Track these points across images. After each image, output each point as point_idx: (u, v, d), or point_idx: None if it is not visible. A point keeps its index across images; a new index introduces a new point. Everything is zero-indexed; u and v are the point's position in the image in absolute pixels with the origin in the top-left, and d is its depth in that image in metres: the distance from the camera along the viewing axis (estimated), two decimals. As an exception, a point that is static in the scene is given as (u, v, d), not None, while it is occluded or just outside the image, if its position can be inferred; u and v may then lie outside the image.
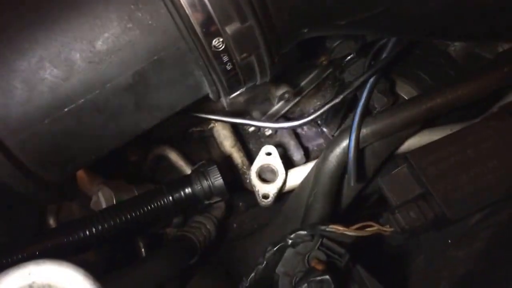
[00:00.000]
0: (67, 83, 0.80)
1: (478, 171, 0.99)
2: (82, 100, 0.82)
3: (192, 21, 0.78)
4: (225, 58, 0.83)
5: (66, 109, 0.82)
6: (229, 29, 0.79)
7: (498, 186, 0.98)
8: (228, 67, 0.85)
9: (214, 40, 0.80)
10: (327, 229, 0.99)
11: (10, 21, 0.81)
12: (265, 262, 1.03)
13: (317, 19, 0.88)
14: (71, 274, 0.62)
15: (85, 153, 0.93)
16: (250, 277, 1.03)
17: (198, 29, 0.78)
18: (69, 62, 0.80)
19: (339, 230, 0.99)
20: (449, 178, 0.99)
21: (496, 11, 0.89)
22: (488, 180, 0.99)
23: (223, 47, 0.81)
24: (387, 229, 1.00)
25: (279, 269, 1.00)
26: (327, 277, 0.89)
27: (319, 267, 0.92)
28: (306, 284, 0.89)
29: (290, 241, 1.01)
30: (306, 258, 0.97)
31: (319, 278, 0.89)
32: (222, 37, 0.80)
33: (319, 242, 0.99)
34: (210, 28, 0.79)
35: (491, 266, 0.92)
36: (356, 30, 1.11)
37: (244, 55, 0.84)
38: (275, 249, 1.02)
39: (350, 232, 0.99)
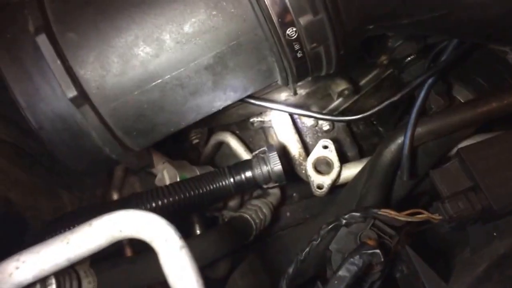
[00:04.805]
0: (157, 59, 0.90)
1: (526, 169, 1.02)
2: (168, 76, 0.91)
3: (270, 11, 0.85)
4: (297, 47, 0.90)
5: (153, 83, 0.92)
6: (302, 20, 0.86)
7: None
8: (299, 55, 0.92)
9: (288, 30, 0.87)
10: (379, 212, 1.04)
11: (112, 2, 0.91)
12: (319, 238, 1.10)
13: (383, 17, 0.94)
14: (156, 221, 0.70)
15: (164, 125, 1.02)
16: (305, 251, 1.09)
17: (275, 19, 0.86)
18: (159, 42, 0.89)
19: (391, 214, 1.03)
20: (497, 174, 1.02)
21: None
22: (535, 178, 1.01)
23: (295, 36, 0.88)
24: (436, 217, 1.03)
25: (332, 246, 1.05)
26: (378, 251, 0.94)
27: (371, 243, 0.98)
28: (358, 256, 0.94)
29: (344, 221, 1.06)
30: (358, 236, 1.03)
31: (370, 251, 0.95)
32: (295, 27, 0.87)
33: (371, 223, 1.05)
34: (285, 19, 0.86)
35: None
36: (418, 30, 1.16)
37: (314, 45, 0.91)
38: (329, 227, 1.08)
39: (401, 217, 1.03)
